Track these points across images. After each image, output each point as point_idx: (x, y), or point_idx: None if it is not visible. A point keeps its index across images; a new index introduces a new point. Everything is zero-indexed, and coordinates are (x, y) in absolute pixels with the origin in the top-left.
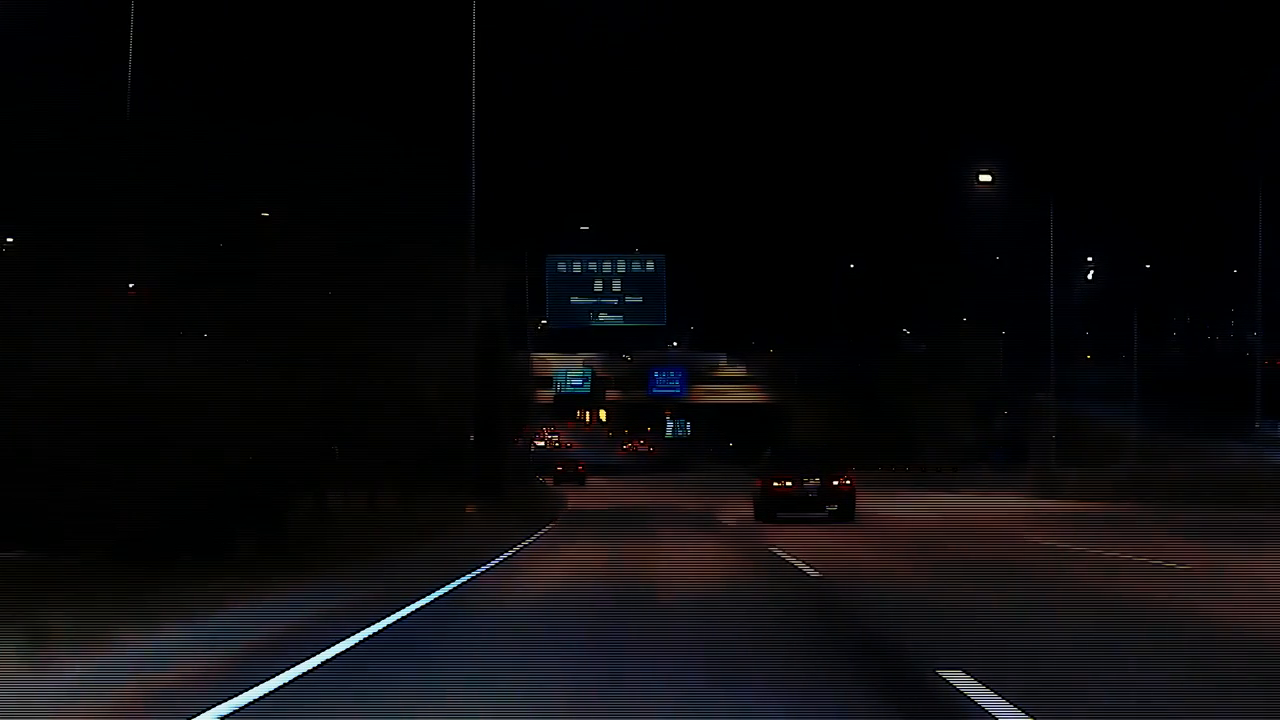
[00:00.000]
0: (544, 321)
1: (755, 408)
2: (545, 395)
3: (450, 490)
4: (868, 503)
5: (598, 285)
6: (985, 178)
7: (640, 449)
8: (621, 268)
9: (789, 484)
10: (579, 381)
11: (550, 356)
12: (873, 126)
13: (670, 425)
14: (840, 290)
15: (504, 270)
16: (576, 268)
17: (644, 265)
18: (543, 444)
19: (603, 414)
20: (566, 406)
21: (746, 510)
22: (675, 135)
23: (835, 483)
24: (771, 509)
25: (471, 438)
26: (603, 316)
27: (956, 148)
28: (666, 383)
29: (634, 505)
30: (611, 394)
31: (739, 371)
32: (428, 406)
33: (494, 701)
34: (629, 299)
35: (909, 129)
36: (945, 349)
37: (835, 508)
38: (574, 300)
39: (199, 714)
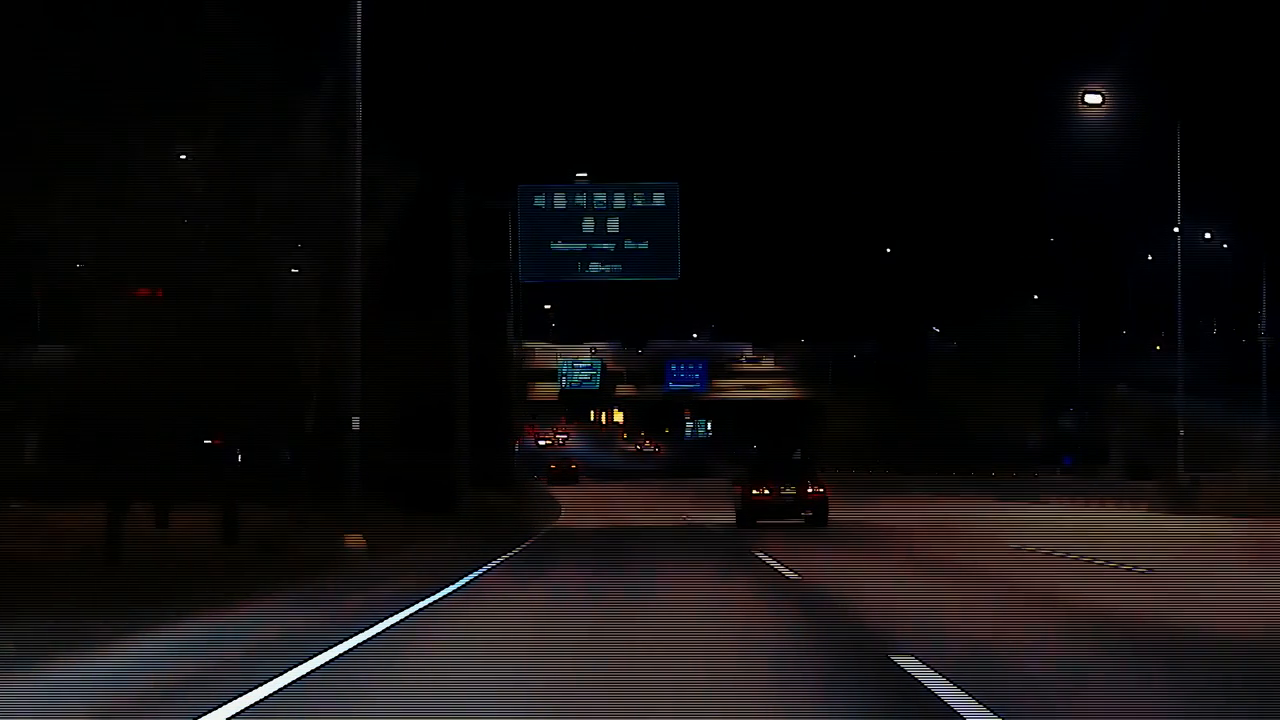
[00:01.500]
0: (549, 315)
1: (784, 405)
2: (549, 390)
3: (342, 505)
4: (955, 509)
5: (587, 225)
6: (1092, 99)
7: (646, 449)
8: (620, 201)
9: (767, 492)
10: (587, 375)
11: (554, 346)
12: (909, 93)
13: (689, 425)
14: (878, 274)
15: (463, 200)
16: (559, 201)
17: (650, 198)
18: (547, 443)
19: (618, 414)
20: (573, 403)
21: (802, 549)
22: (694, 91)
23: (810, 490)
24: (752, 515)
25: (355, 423)
26: (595, 268)
27: (1006, 113)
28: (685, 376)
29: (638, 523)
30: (623, 389)
31: (766, 364)
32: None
33: None
34: (630, 244)
35: (949, 96)
36: (1005, 336)
37: (810, 514)
38: (556, 246)
39: None
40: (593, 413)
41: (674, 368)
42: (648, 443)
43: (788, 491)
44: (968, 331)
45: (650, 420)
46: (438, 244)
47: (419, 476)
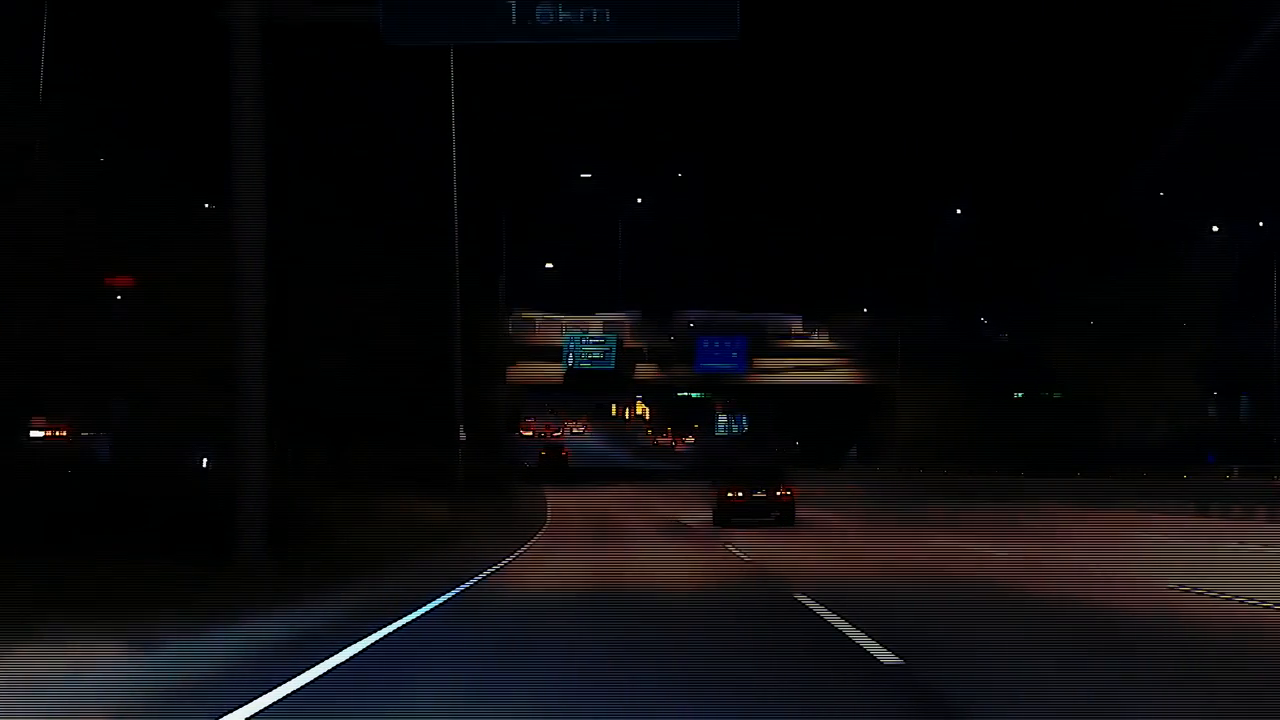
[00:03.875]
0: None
1: (841, 391)
2: (551, 372)
3: None
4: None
5: None
6: None
7: (664, 442)
8: None
9: (740, 494)
10: (598, 353)
11: (557, 317)
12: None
13: (723, 420)
14: (961, 229)
15: None
16: None
17: None
18: (544, 435)
19: (642, 408)
20: (583, 388)
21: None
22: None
23: (778, 494)
24: (727, 515)
25: None
26: (548, 14)
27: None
28: (720, 355)
29: (654, 571)
30: (644, 370)
31: (820, 340)
32: None
33: None
34: None
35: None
36: (1147, 302)
37: (778, 514)
38: None
39: None
40: (614, 407)
41: (706, 345)
42: (667, 436)
43: (759, 494)
44: (1090, 298)
45: (680, 415)
46: None
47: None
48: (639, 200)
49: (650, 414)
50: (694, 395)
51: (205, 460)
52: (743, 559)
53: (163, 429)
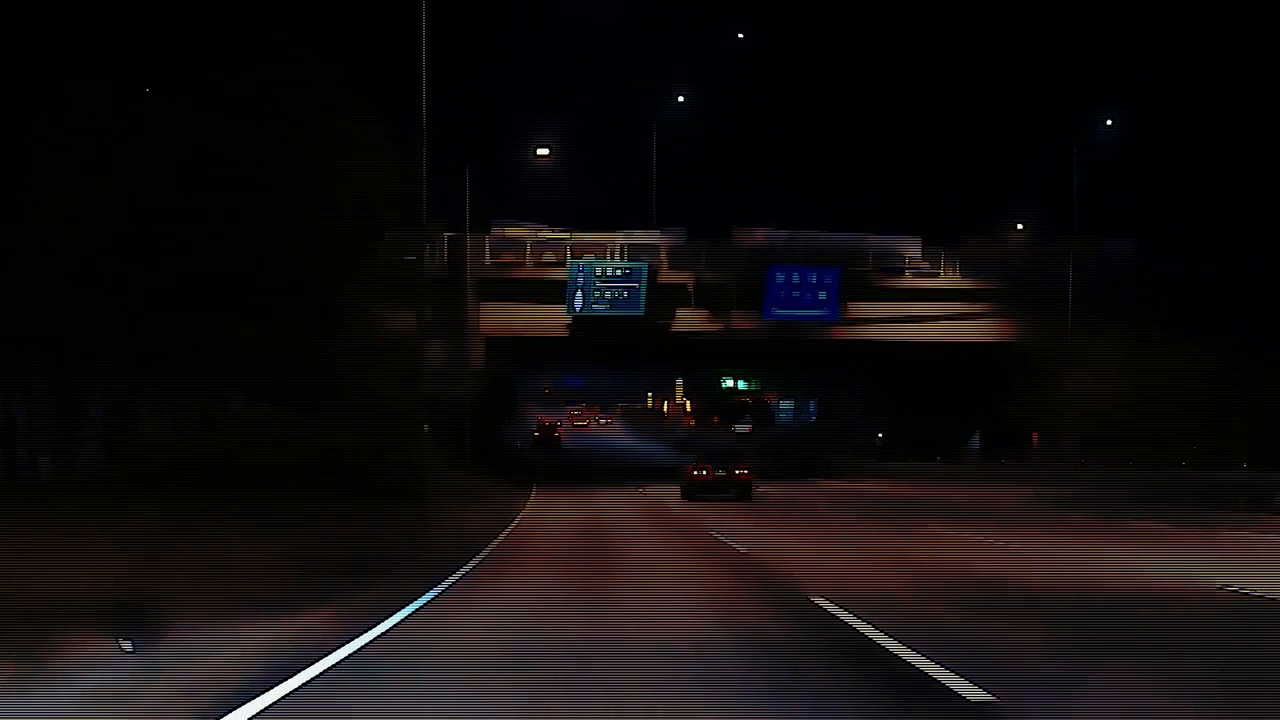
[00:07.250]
0: None
1: (969, 355)
2: (548, 319)
3: None
4: None
5: None
6: None
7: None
8: None
9: (705, 473)
10: (621, 291)
11: (562, 238)
12: None
13: (785, 407)
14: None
15: None
16: None
17: None
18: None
19: (680, 396)
20: (597, 344)
21: None
22: None
23: (737, 473)
24: (694, 491)
25: None
26: None
27: None
28: (802, 296)
29: None
30: (686, 317)
31: (948, 279)
32: None
33: None
34: None
35: None
36: None
37: (736, 490)
38: None
39: None
40: (650, 398)
41: (781, 279)
42: (717, 419)
43: (721, 473)
44: None
45: (727, 406)
46: None
47: None
48: (679, 98)
49: (693, 405)
50: (740, 384)
51: None
52: None
53: None
